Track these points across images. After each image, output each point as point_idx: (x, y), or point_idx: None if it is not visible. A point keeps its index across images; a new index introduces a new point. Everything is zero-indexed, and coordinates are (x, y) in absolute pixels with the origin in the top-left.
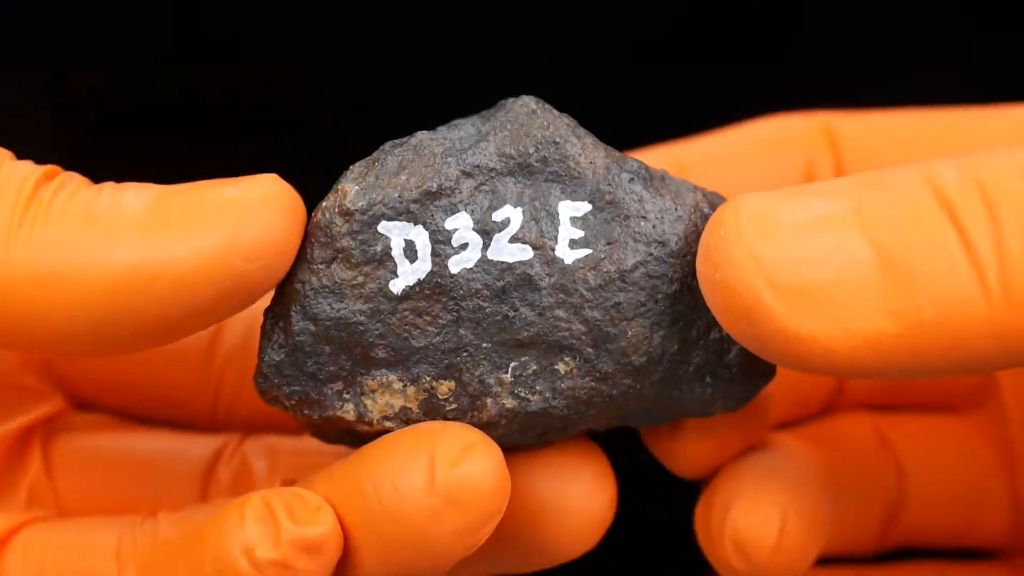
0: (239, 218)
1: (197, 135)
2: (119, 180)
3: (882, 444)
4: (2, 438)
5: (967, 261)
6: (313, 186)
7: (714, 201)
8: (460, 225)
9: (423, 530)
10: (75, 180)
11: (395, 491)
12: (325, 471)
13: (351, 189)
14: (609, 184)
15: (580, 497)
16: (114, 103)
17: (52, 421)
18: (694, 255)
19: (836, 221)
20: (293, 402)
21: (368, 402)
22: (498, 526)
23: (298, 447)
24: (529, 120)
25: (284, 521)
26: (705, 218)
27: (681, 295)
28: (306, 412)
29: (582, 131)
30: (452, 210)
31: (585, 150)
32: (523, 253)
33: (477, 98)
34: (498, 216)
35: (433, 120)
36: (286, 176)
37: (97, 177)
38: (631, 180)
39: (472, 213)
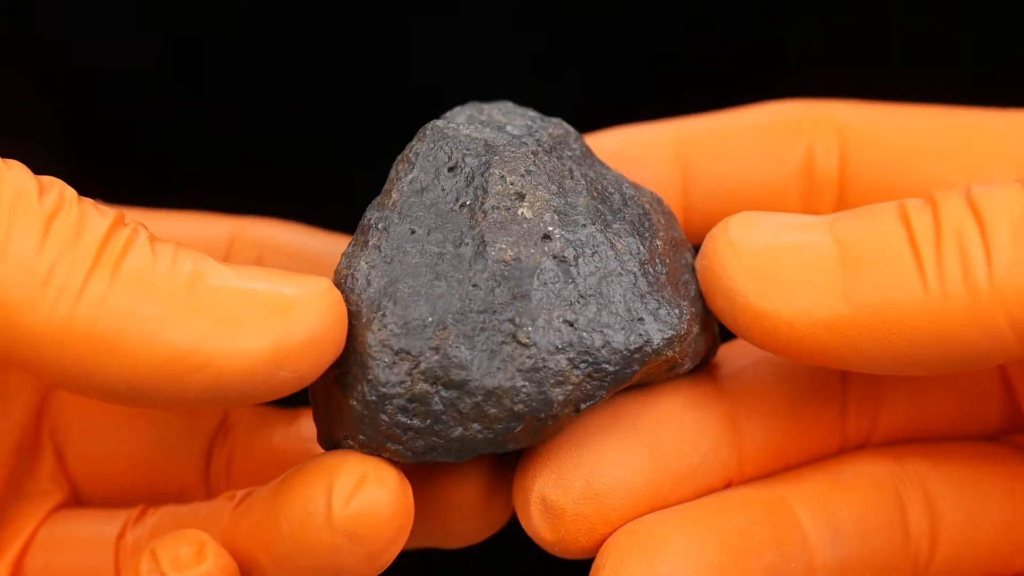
0: (289, 327)
1: (197, 135)
2: (118, 179)
3: (908, 481)
4: (14, 438)
5: (911, 257)
6: (313, 189)
7: None
8: None
9: (329, 563)
10: (142, 236)
11: (301, 528)
12: (250, 501)
13: None
14: None
15: (485, 486)
16: (114, 102)
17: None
18: None
19: (810, 225)
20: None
21: None
22: (419, 514)
23: None
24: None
25: (169, 571)
26: None
27: None
28: None
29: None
30: None
31: None
32: None
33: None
34: None
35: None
36: (285, 185)
37: (96, 177)
38: None
39: None
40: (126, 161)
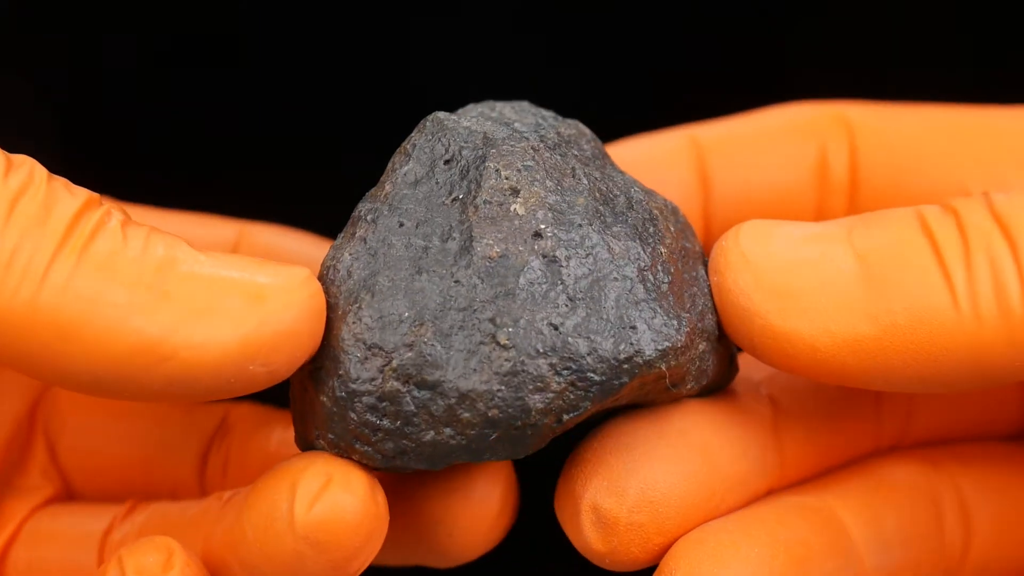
0: (262, 318)
1: (197, 135)
2: (118, 179)
3: (943, 486)
4: (6, 433)
5: (940, 275)
6: (313, 189)
7: None
8: None
9: (293, 570)
10: (113, 219)
11: (265, 534)
12: (230, 503)
13: None
14: None
15: (473, 499)
16: (114, 102)
17: (51, 414)
18: None
19: (827, 237)
20: None
21: None
22: (402, 528)
23: None
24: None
25: None
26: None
27: None
28: None
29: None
30: None
31: None
32: None
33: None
34: None
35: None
36: (285, 185)
37: (96, 177)
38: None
39: None
40: (126, 161)
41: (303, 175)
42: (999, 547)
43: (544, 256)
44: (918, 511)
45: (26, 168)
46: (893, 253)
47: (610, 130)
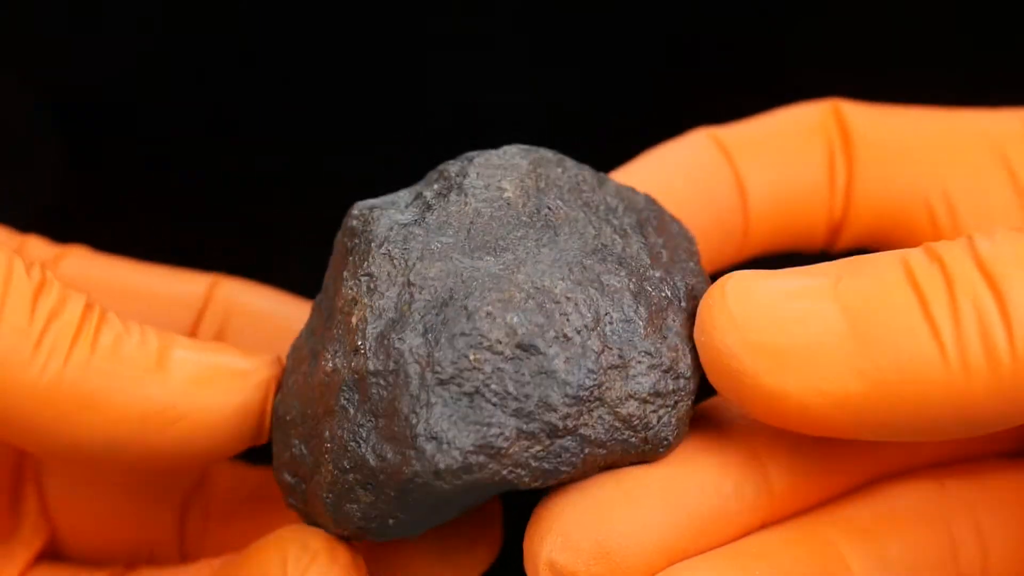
0: (248, 389)
1: (195, 136)
2: (118, 180)
3: (958, 511)
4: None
5: (927, 330)
6: (312, 190)
7: None
8: None
9: None
10: (111, 314)
11: None
12: (220, 571)
13: None
14: None
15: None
16: (114, 103)
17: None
18: None
19: (813, 291)
20: None
21: None
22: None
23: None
24: None
25: None
26: None
27: None
28: None
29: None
30: None
31: None
32: None
33: (473, 116)
34: None
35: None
36: (281, 185)
37: (96, 177)
38: None
39: None
40: (126, 161)
41: (303, 176)
42: (1019, 570)
43: (356, 372)
44: (928, 538)
45: (38, 267)
46: (880, 307)
47: (610, 130)
